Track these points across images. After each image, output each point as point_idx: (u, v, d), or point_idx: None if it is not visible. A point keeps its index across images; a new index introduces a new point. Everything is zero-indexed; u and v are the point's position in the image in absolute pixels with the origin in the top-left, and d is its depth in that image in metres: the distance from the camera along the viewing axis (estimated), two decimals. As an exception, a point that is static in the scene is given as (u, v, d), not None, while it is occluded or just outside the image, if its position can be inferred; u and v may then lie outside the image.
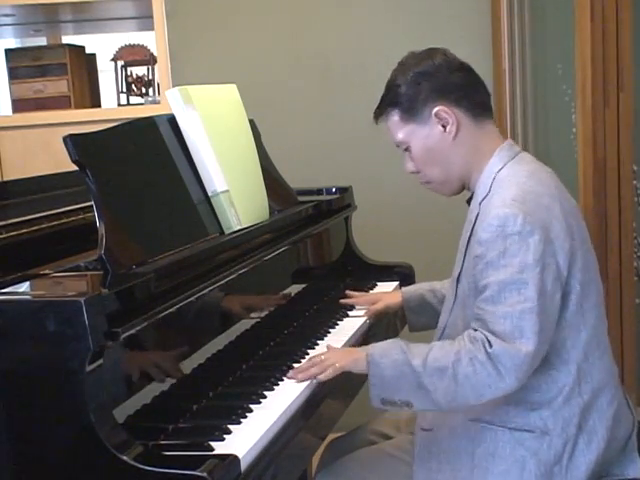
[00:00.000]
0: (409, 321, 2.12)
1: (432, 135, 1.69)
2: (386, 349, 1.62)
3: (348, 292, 2.24)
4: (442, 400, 1.55)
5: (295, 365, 1.75)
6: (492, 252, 1.54)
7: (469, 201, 1.74)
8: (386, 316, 2.18)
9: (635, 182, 2.91)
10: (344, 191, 2.56)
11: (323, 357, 1.70)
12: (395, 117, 1.72)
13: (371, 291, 2.37)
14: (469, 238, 1.66)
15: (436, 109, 1.67)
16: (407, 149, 1.74)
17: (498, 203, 1.57)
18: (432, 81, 1.68)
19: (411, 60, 1.72)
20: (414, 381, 1.56)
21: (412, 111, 1.69)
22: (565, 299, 1.58)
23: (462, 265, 1.68)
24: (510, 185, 1.61)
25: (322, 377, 1.68)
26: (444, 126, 1.68)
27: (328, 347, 1.79)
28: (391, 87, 1.72)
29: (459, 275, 1.69)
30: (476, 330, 1.56)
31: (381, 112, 1.74)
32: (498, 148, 1.70)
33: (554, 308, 1.56)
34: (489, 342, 1.52)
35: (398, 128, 1.72)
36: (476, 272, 1.58)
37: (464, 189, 1.76)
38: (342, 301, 2.20)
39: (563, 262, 1.57)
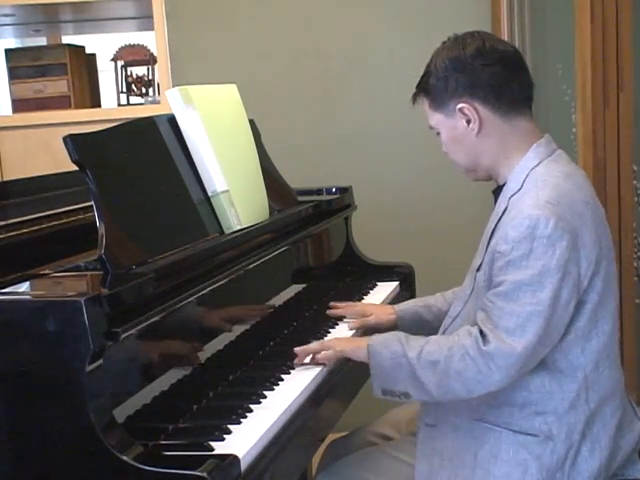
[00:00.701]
0: None
1: (457, 127, 1.67)
2: (386, 340, 1.66)
3: (332, 304, 2.15)
4: (435, 392, 1.58)
5: (295, 365, 1.75)
6: (517, 251, 1.52)
7: (495, 192, 1.72)
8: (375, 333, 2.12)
9: (635, 182, 2.91)
10: (344, 191, 2.56)
11: (326, 340, 1.77)
12: (426, 104, 1.72)
13: (371, 291, 2.37)
14: (493, 230, 1.64)
15: (459, 106, 1.65)
16: (438, 134, 1.73)
17: (531, 202, 1.55)
18: (460, 76, 1.64)
19: (448, 46, 1.68)
20: (410, 372, 1.59)
21: (439, 102, 1.68)
22: (580, 308, 1.57)
23: (484, 257, 1.65)
24: (545, 185, 1.59)
25: (320, 356, 1.74)
26: (468, 121, 1.66)
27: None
28: (425, 73, 1.71)
29: (480, 266, 1.66)
30: (474, 325, 1.57)
31: (416, 96, 1.74)
32: (535, 144, 1.66)
33: (565, 316, 1.55)
34: (485, 339, 1.52)
35: (429, 114, 1.72)
36: (495, 267, 1.57)
37: (491, 179, 1.74)
38: (330, 312, 2.10)
39: (585, 271, 1.55)
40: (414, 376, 1.59)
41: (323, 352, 1.75)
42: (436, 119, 1.71)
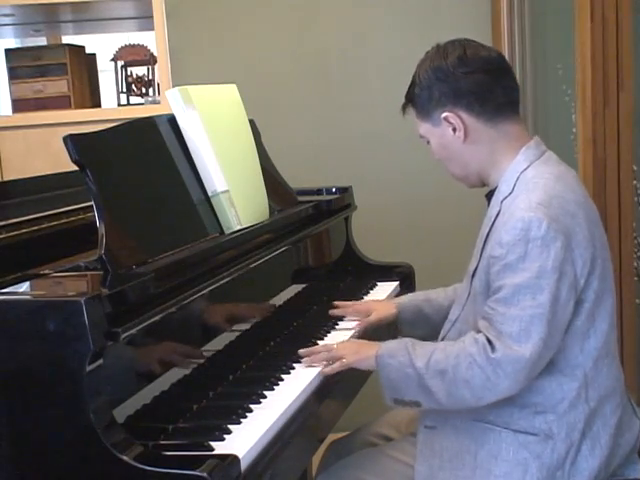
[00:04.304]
0: (401, 333, 2.04)
1: (445, 136, 1.69)
2: (393, 350, 1.64)
3: (336, 303, 2.14)
4: (444, 401, 1.58)
5: (295, 365, 1.75)
6: (512, 255, 1.53)
7: (488, 196, 1.72)
8: (378, 330, 2.08)
9: (635, 182, 2.91)
10: (344, 191, 2.56)
11: (335, 347, 1.74)
12: (414, 113, 1.74)
13: (371, 291, 2.37)
14: (487, 234, 1.65)
15: (444, 115, 1.67)
16: (428, 142, 1.75)
17: (523, 205, 1.56)
18: (443, 85, 1.66)
19: (431, 56, 1.70)
20: (418, 382, 1.59)
21: (425, 112, 1.70)
22: (578, 307, 1.58)
23: (479, 261, 1.67)
24: (536, 187, 1.59)
25: (328, 370, 1.72)
26: (454, 130, 1.67)
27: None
28: (411, 84, 1.73)
29: (475, 270, 1.68)
30: (479, 332, 1.56)
31: (405, 106, 1.76)
32: (524, 146, 1.67)
33: (565, 316, 1.55)
34: (492, 346, 1.52)
35: (418, 123, 1.74)
36: (491, 272, 1.57)
37: (485, 185, 1.75)
38: (332, 312, 2.10)
39: (581, 270, 1.56)
40: (423, 385, 1.58)
41: (330, 367, 1.73)
42: (424, 128, 1.73)
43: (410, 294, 2.15)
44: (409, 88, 1.73)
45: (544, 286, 1.51)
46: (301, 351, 1.78)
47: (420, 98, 1.69)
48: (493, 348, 1.52)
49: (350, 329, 2.01)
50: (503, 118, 1.68)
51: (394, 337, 2.12)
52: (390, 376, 1.63)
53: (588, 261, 1.57)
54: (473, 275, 1.68)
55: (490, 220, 1.66)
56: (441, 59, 1.67)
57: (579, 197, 1.63)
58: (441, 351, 1.59)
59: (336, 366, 1.72)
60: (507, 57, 3.06)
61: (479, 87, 1.65)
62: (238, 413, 1.49)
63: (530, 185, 1.61)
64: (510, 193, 1.64)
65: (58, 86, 3.16)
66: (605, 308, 1.63)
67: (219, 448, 1.35)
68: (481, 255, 1.66)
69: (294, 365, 1.75)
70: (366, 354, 1.69)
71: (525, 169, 1.65)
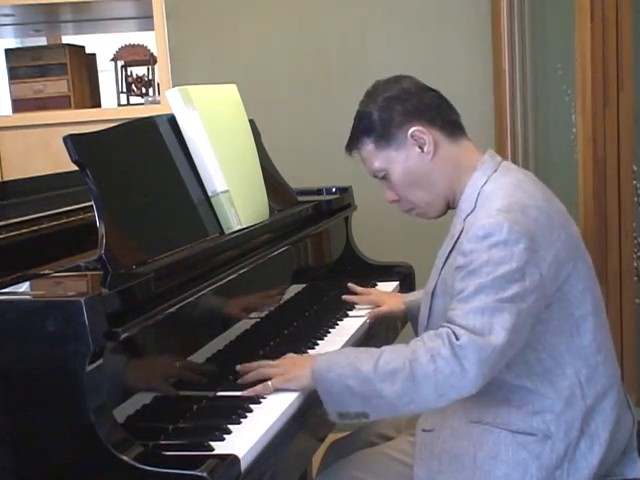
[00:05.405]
0: (414, 328, 2.07)
1: (410, 157, 1.68)
2: (331, 361, 1.57)
3: (351, 285, 2.22)
4: (398, 403, 1.50)
5: (295, 365, 1.75)
6: (476, 261, 1.52)
7: None
8: (389, 322, 2.17)
9: (635, 182, 2.91)
10: (344, 191, 2.56)
11: (274, 364, 1.65)
12: (369, 146, 1.71)
13: (371, 291, 2.37)
14: (449, 252, 1.66)
15: (411, 130, 1.67)
16: (384, 177, 1.73)
17: (483, 215, 1.57)
18: (404, 104, 1.68)
19: (379, 87, 1.72)
20: (365, 390, 1.51)
21: (387, 136, 1.69)
22: (551, 307, 1.57)
23: (437, 279, 1.68)
24: (495, 198, 1.60)
25: (247, 393, 1.59)
26: (421, 147, 1.67)
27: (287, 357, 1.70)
28: (362, 116, 1.72)
29: (434, 290, 1.69)
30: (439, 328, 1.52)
31: (354, 143, 1.74)
32: (479, 162, 1.69)
33: (530, 316, 1.53)
34: (455, 335, 1.47)
35: (374, 157, 1.72)
36: (456, 280, 1.55)
37: (449, 209, 1.75)
38: (344, 297, 2.18)
39: (547, 272, 1.55)
40: (371, 392, 1.50)
41: (262, 386, 1.59)
42: (383, 158, 1.70)
43: (418, 291, 2.18)
44: (359, 123, 1.72)
45: (507, 286, 1.49)
46: (239, 367, 1.67)
47: (380, 123, 1.68)
48: (457, 337, 1.47)
49: (361, 316, 2.09)
50: (461, 133, 1.72)
51: (401, 324, 2.22)
52: (331, 390, 1.54)
53: (554, 264, 1.56)
54: (433, 295, 1.69)
55: (452, 239, 1.67)
56: (394, 84, 1.71)
57: (538, 202, 1.62)
58: (390, 352, 1.53)
59: (259, 389, 1.58)
60: (507, 57, 3.07)
61: (438, 101, 1.71)
62: (238, 413, 1.49)
63: (491, 197, 1.62)
64: (473, 209, 1.64)
65: (58, 86, 3.16)
66: (586, 308, 1.62)
67: (219, 448, 1.35)
68: (440, 273, 1.67)
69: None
70: (294, 374, 1.59)
71: (484, 184, 1.66)
